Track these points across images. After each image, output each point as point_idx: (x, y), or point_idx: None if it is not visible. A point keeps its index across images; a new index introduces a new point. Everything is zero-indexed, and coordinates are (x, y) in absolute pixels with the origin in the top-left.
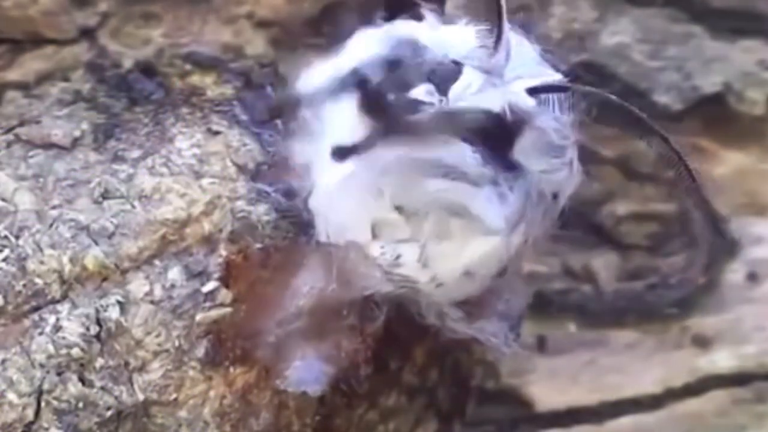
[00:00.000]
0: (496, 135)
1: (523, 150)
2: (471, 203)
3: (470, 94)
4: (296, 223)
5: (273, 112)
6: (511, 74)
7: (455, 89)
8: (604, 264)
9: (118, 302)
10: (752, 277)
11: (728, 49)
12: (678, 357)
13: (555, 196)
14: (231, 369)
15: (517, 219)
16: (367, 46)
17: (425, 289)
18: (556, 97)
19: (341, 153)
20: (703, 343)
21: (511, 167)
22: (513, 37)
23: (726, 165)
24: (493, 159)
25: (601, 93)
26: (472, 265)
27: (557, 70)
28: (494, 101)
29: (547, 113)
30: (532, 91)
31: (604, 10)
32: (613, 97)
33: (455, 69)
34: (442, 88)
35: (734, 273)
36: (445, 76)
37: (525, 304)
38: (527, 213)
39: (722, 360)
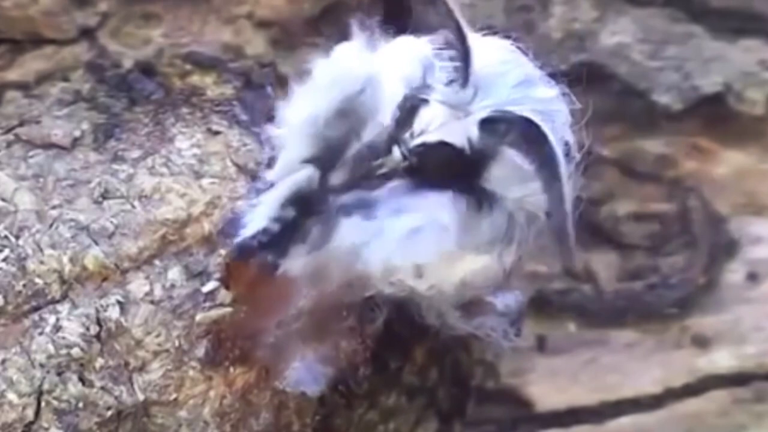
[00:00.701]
0: (459, 168)
1: (495, 179)
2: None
3: (433, 129)
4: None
5: (273, 112)
6: (482, 103)
7: (418, 125)
8: (604, 264)
9: (118, 302)
10: (752, 277)
11: (728, 49)
12: (678, 357)
13: (548, 215)
14: (231, 369)
15: (504, 240)
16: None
17: (425, 295)
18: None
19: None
20: (702, 343)
21: (484, 195)
22: (501, 55)
23: (726, 165)
24: (460, 190)
25: (541, 127)
26: (467, 277)
27: (556, 82)
28: (456, 135)
29: (514, 143)
30: (486, 122)
31: (604, 10)
32: (549, 136)
33: (418, 104)
34: (406, 124)
35: (734, 273)
36: (407, 111)
37: (524, 300)
38: (515, 234)
39: (722, 360)
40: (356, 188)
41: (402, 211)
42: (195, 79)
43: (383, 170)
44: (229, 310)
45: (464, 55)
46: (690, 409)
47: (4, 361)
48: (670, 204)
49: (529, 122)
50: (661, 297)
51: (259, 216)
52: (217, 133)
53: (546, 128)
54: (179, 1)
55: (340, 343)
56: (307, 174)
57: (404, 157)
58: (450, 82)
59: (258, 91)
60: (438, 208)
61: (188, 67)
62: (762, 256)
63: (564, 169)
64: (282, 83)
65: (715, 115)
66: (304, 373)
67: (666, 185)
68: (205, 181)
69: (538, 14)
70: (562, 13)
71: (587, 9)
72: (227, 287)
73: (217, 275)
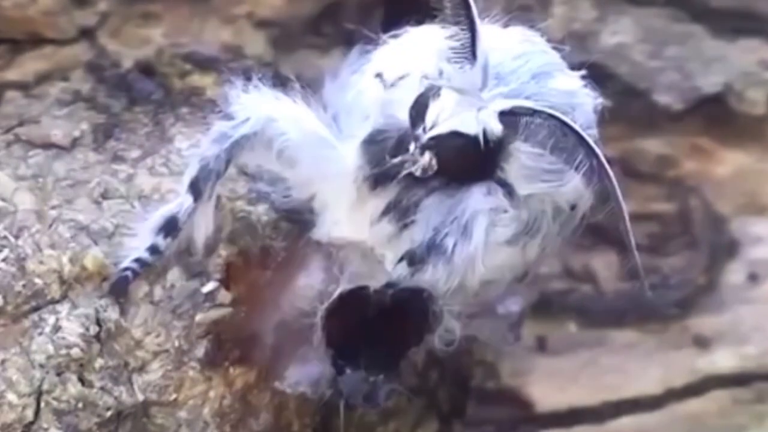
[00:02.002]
0: (475, 158)
1: (515, 171)
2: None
3: (443, 119)
4: (296, 223)
5: None
6: (496, 90)
7: (430, 114)
8: (604, 264)
9: (118, 302)
10: (752, 278)
11: (728, 49)
12: (678, 357)
13: (573, 208)
14: (231, 369)
15: (529, 232)
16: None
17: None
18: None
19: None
20: (703, 343)
21: (505, 187)
22: (522, 43)
23: (726, 165)
24: (473, 181)
25: (565, 119)
26: (488, 274)
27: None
28: (468, 125)
29: (528, 138)
30: (503, 114)
31: (604, 10)
32: (573, 124)
33: (431, 92)
34: (420, 115)
35: (735, 273)
36: (422, 107)
37: (525, 305)
38: (542, 226)
39: (722, 360)
40: (383, 188)
41: (460, 232)
42: (195, 79)
43: (404, 170)
44: (229, 310)
45: (470, 26)
46: (690, 410)
47: (3, 361)
48: (671, 204)
49: (550, 117)
50: (662, 297)
51: (134, 246)
52: None
53: (570, 120)
54: (179, 1)
55: None
56: (180, 201)
57: (420, 152)
58: (458, 63)
59: None
60: (478, 210)
61: (188, 67)
62: (763, 257)
63: (604, 159)
64: (282, 83)
65: (715, 115)
66: (303, 373)
67: (666, 185)
68: None
69: (538, 14)
70: (562, 13)
71: (587, 9)
72: (227, 287)
73: (217, 275)
